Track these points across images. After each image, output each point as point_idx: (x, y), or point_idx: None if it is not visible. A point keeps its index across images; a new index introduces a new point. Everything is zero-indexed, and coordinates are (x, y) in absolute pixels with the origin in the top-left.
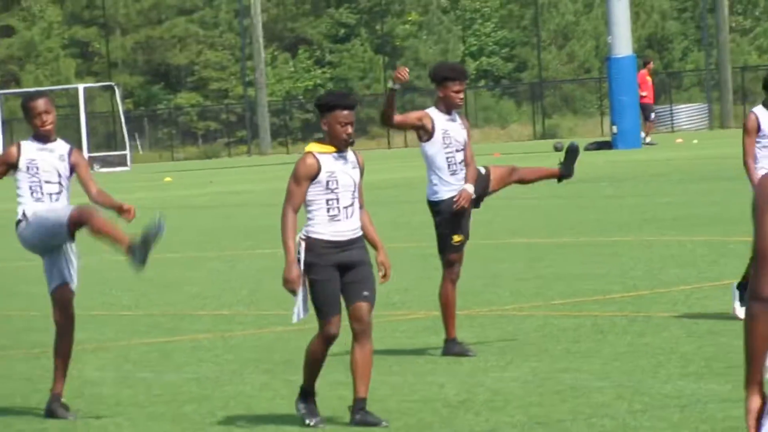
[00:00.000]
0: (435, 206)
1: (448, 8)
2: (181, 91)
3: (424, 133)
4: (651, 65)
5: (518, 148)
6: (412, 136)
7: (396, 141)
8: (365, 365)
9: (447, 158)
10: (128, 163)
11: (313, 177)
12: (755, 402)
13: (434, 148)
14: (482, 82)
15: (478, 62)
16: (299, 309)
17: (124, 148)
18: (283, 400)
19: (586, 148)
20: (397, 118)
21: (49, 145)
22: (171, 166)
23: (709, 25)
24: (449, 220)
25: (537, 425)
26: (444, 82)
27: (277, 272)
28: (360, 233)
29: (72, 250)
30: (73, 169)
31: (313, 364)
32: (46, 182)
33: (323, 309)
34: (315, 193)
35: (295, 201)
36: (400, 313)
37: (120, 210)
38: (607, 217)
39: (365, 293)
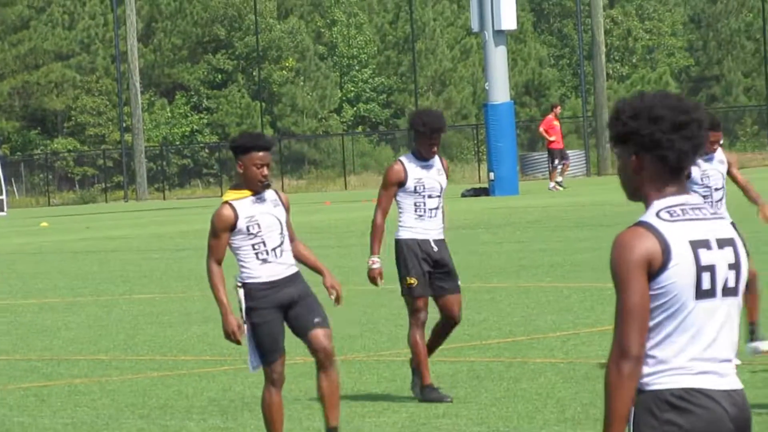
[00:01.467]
0: (396, 245)
1: (325, 54)
2: (57, 136)
3: (401, 184)
4: (558, 109)
5: None
6: (287, 183)
7: (274, 187)
8: (333, 393)
9: (415, 203)
10: (5, 208)
11: (232, 227)
12: None
13: (404, 193)
14: (360, 129)
15: (355, 108)
16: (252, 358)
17: (0, 194)
18: None
19: (463, 195)
20: (382, 214)
21: None
22: (47, 211)
23: (586, 72)
24: (403, 261)
25: None
26: (418, 134)
27: (153, 317)
28: (295, 269)
29: None
30: None
31: (272, 416)
32: None
33: (266, 353)
34: (239, 240)
35: (217, 254)
36: None
37: None
38: (485, 263)
39: (316, 320)
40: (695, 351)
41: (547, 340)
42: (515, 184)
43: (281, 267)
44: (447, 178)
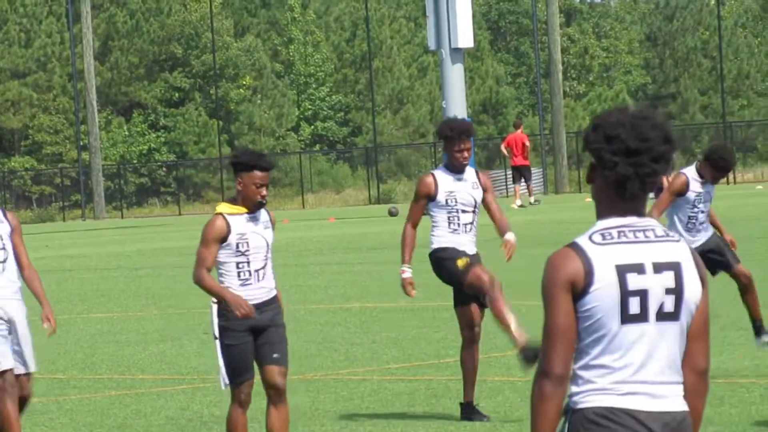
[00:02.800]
0: (430, 258)
1: (282, 73)
2: (14, 155)
3: (431, 198)
4: (522, 127)
5: (353, 213)
6: None
7: None
8: (283, 427)
9: (448, 217)
10: None
11: (223, 239)
12: None
13: (436, 207)
14: (317, 147)
15: (312, 127)
16: (224, 376)
17: None
18: None
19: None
20: (411, 225)
21: None
22: None
23: (544, 90)
24: (445, 264)
25: None
26: (446, 141)
27: (111, 336)
28: (274, 292)
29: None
30: (12, 231)
31: None
32: None
33: (235, 374)
34: (225, 255)
35: (207, 263)
36: None
37: (45, 318)
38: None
39: (275, 356)
40: (624, 373)
41: (506, 359)
42: None
43: (261, 291)
44: (487, 193)
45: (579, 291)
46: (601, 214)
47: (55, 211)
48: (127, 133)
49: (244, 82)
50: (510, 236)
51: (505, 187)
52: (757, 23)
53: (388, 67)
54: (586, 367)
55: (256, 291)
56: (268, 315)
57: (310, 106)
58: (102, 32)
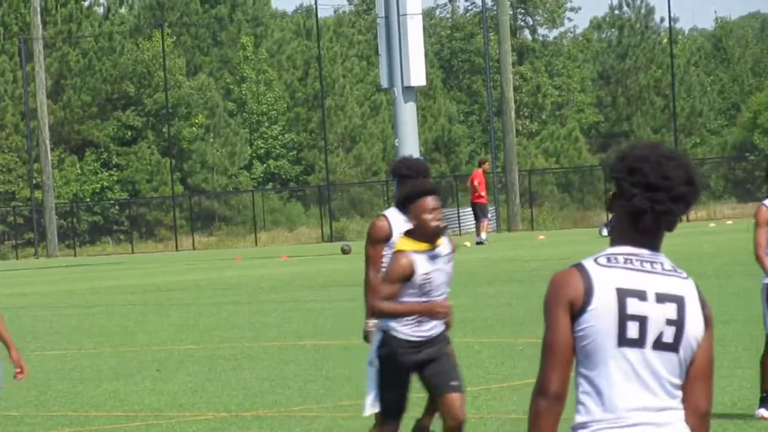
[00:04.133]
0: None
1: (235, 111)
2: None
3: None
4: (486, 165)
5: (306, 251)
6: (198, 239)
7: (184, 244)
8: None
9: None
10: None
11: (407, 279)
12: None
13: (391, 249)
14: (270, 185)
15: (265, 165)
16: (371, 401)
17: None
18: None
19: None
20: (374, 272)
21: None
22: None
23: (496, 129)
24: None
25: None
26: (402, 180)
27: (64, 373)
28: (442, 328)
29: None
30: None
31: None
32: None
33: (386, 410)
34: (407, 296)
35: (384, 294)
36: (190, 414)
37: (15, 362)
38: None
39: (453, 383)
40: (627, 401)
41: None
42: None
43: (431, 327)
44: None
45: (577, 310)
46: (615, 241)
47: (8, 249)
48: (79, 171)
49: (197, 121)
50: None
51: (458, 225)
52: (710, 61)
53: (341, 105)
54: (588, 393)
55: (427, 328)
56: (434, 349)
57: (262, 145)
58: (55, 71)
